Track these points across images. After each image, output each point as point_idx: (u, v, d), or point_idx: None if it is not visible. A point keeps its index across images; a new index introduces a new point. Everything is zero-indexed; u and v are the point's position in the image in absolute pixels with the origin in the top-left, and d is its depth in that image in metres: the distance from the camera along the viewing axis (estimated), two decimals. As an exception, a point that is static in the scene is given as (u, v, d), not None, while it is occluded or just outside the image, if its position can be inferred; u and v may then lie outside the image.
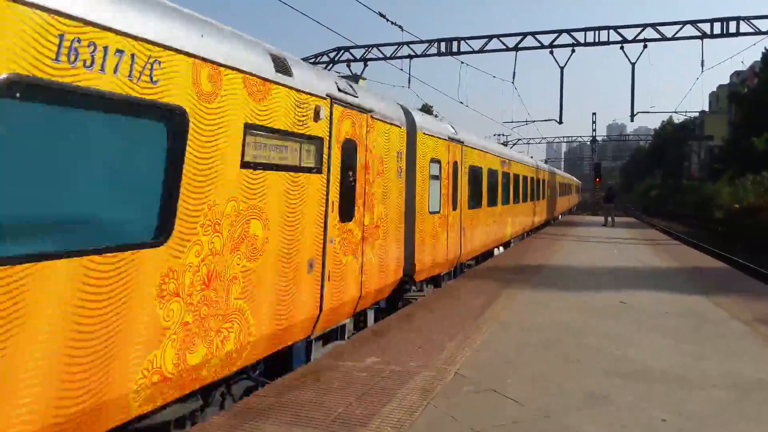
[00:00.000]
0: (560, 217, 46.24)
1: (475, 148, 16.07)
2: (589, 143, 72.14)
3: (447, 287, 12.53)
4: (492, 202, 18.36)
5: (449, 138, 13.43)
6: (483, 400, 5.74)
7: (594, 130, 66.04)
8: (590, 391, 5.99)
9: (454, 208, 13.86)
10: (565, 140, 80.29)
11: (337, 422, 5.12)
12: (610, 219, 34.12)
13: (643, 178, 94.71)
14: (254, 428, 4.97)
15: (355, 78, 10.35)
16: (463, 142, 14.58)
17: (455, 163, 13.90)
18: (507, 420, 5.22)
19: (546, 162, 61.99)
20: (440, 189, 12.79)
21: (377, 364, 6.87)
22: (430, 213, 12.08)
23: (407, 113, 11.18)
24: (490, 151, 18.53)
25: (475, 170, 15.98)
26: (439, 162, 12.65)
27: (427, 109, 39.69)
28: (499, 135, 63.62)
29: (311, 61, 25.50)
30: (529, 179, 26.51)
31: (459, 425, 5.10)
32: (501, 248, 21.11)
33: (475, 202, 16.07)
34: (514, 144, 65.71)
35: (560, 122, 28.43)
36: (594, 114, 65.93)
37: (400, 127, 10.45)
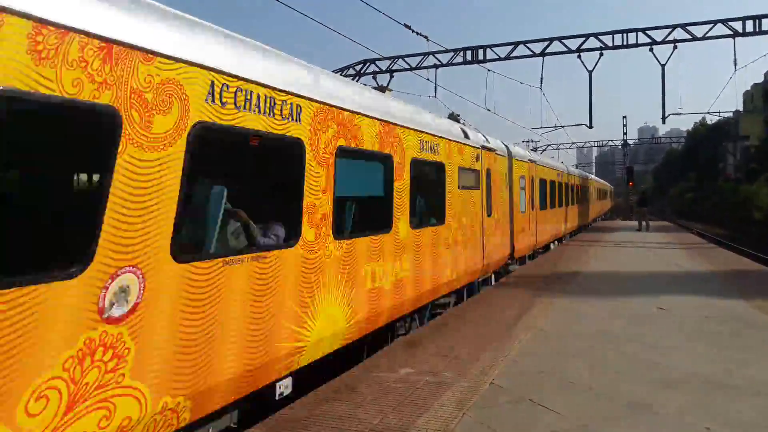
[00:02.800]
0: (595, 221, 45.67)
1: (541, 165, 21.69)
2: (620, 147, 71.02)
3: (482, 296, 12.43)
4: (552, 205, 23.74)
5: (528, 160, 19.18)
6: (520, 410, 5.67)
7: (625, 133, 65.12)
8: (630, 400, 5.87)
9: (532, 209, 19.36)
10: (596, 144, 79.04)
11: (373, 434, 5.10)
12: (644, 223, 33.53)
13: (677, 181, 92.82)
14: (290, 441, 4.98)
15: (381, 89, 10.47)
16: (535, 162, 20.40)
17: (531, 177, 19.47)
18: (545, 431, 5.14)
19: (577, 167, 61.29)
20: (524, 196, 18.23)
21: (412, 375, 6.84)
22: (521, 213, 17.64)
23: (507, 147, 16.64)
24: (550, 166, 24.61)
25: (542, 181, 21.46)
26: (523, 177, 18.25)
27: (454, 118, 39.60)
28: (528, 141, 62.94)
29: (338, 74, 25.66)
30: (573, 187, 31.56)
31: (496, 436, 5.03)
32: (556, 243, 25.47)
33: (542, 205, 21.39)
34: (543, 150, 65.02)
35: (590, 126, 28.07)
36: (624, 117, 65.01)
37: (504, 157, 15.85)
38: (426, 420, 5.41)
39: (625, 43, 24.75)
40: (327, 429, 5.23)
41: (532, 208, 19.27)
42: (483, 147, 13.33)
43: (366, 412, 5.62)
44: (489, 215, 13.65)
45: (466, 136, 12.26)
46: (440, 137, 10.43)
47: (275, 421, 5.48)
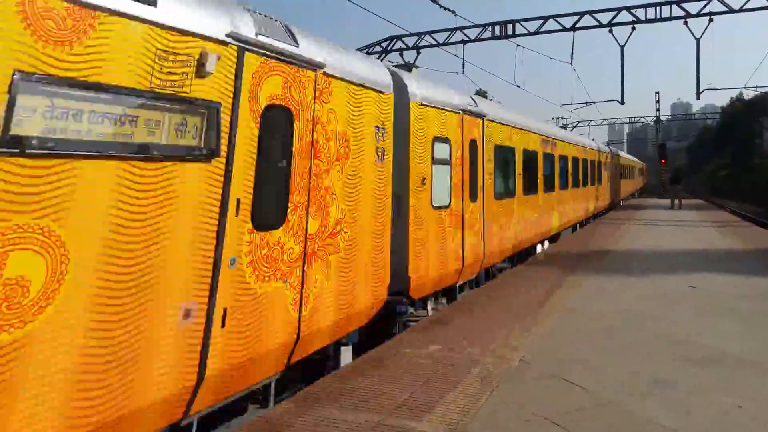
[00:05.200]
0: (626, 200, 45.14)
1: (622, 155, 39.03)
2: (652, 124, 69.53)
3: (511, 274, 12.42)
4: (624, 177, 40.88)
5: (617, 153, 38.89)
6: (547, 387, 5.69)
7: (657, 109, 63.65)
8: (658, 378, 5.85)
9: (620, 178, 37.81)
10: (628, 121, 77.45)
11: (402, 409, 5.18)
12: (677, 201, 32.99)
13: (711, 158, 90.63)
14: (319, 414, 5.09)
15: (408, 66, 10.43)
16: (610, 153, 34.01)
17: (616, 162, 35.98)
18: (573, 406, 5.16)
19: (609, 144, 60.28)
20: (608, 173, 32.47)
21: (440, 351, 6.90)
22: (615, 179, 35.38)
23: (603, 147, 32.01)
24: (615, 152, 38.51)
25: (621, 165, 38.52)
26: (615, 164, 35.21)
27: (482, 94, 39.29)
28: (558, 118, 62.11)
29: (364, 51, 25.55)
30: (623, 165, 44.84)
31: (524, 411, 5.07)
32: (619, 204, 39.08)
33: (622, 176, 39.42)
34: (574, 126, 64.08)
35: (622, 103, 27.51)
36: (657, 93, 63.45)
37: (604, 153, 30.66)
38: (455, 396, 5.47)
39: (658, 16, 24.09)
40: (356, 402, 5.33)
41: (619, 177, 36.48)
42: (599, 151, 28.23)
43: (395, 388, 5.70)
44: (609, 180, 30.12)
45: (601, 149, 28.54)
46: (604, 152, 28.51)
47: (304, 394, 5.59)
